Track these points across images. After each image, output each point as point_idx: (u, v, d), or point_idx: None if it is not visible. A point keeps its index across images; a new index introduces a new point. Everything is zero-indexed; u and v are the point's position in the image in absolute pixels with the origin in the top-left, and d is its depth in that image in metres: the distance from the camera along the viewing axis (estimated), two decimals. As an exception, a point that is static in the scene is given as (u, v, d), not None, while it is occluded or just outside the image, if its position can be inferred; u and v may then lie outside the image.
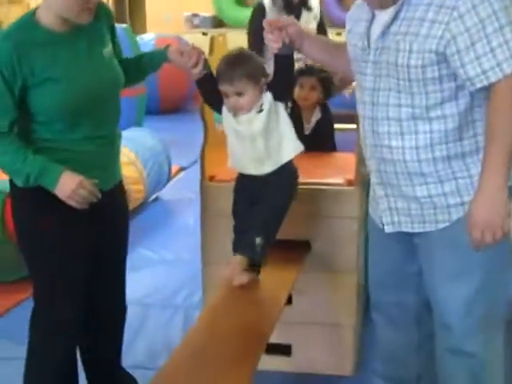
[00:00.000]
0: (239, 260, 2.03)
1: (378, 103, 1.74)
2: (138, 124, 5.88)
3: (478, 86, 1.62)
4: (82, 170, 1.89)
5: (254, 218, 2.07)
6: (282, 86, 2.02)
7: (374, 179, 1.86)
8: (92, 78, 1.90)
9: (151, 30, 8.48)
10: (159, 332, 2.87)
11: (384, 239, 1.91)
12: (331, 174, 2.62)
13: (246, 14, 8.40)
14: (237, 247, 2.11)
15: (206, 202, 2.50)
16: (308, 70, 3.02)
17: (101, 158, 1.99)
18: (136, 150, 4.43)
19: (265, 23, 1.92)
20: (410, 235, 1.85)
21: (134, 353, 2.73)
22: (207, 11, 9.00)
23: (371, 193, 1.95)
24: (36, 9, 1.89)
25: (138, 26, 8.50)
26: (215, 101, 2.05)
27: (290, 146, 2.05)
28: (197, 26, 8.98)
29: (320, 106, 2.99)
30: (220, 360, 1.77)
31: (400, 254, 1.93)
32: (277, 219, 2.09)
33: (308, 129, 3.03)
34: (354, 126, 2.39)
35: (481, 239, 1.64)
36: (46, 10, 1.85)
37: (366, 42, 1.76)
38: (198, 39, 8.01)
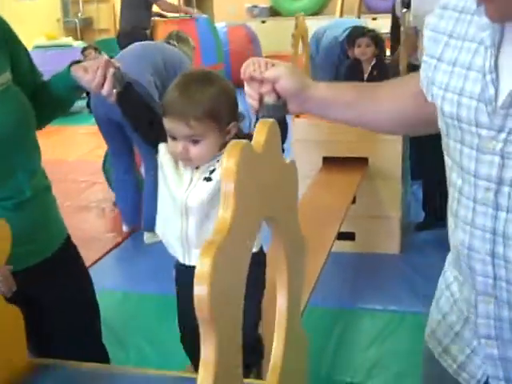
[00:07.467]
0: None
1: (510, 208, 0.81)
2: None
3: None
4: None
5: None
6: None
7: (482, 329, 0.91)
8: None
9: (218, 21, 9.05)
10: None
11: None
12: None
13: (298, 5, 9.03)
14: None
15: (296, 133, 3.07)
16: (360, 32, 3.51)
17: (12, 226, 1.23)
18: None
19: (242, 68, 1.09)
20: None
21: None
22: (265, 3, 9.54)
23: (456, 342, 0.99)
24: None
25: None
26: (147, 132, 1.24)
27: None
28: (256, 16, 9.31)
29: (376, 58, 3.48)
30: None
31: None
32: (258, 315, 1.28)
33: (365, 76, 3.48)
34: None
35: None
36: None
37: (491, 89, 0.80)
38: (258, 26, 8.66)
